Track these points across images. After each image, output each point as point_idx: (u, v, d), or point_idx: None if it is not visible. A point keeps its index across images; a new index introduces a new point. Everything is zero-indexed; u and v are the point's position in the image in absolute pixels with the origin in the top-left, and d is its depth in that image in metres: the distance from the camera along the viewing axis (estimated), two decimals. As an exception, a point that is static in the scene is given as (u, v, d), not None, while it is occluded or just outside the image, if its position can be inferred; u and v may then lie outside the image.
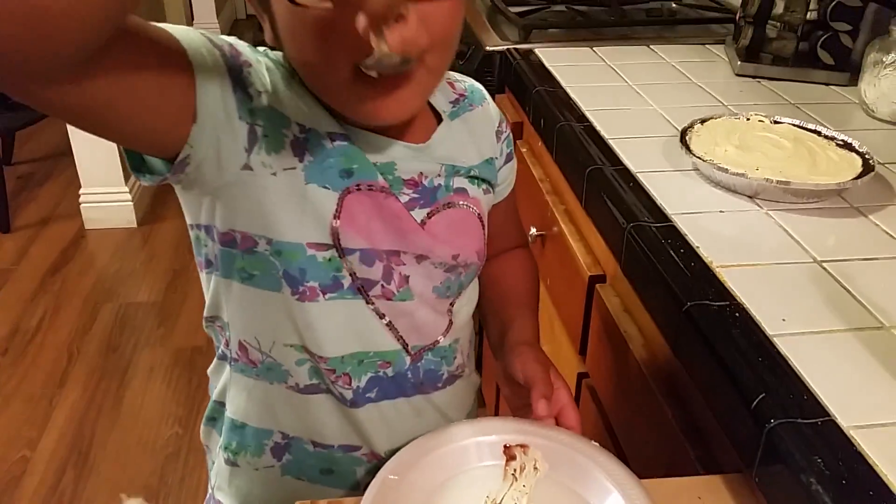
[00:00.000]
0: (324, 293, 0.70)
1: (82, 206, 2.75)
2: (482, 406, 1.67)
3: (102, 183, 2.72)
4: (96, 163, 2.68)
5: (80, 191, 2.74)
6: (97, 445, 1.87)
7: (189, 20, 3.48)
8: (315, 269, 0.69)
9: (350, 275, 0.70)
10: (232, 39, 0.66)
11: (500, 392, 0.83)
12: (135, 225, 2.82)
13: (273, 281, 0.70)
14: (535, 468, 0.68)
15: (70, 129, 2.60)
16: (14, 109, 2.82)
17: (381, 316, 0.74)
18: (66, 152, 2.80)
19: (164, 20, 2.90)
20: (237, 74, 0.63)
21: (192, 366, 2.14)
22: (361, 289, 0.72)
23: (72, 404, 1.99)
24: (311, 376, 0.75)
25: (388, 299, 0.73)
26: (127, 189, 2.77)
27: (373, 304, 0.73)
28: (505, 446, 0.70)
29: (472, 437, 0.72)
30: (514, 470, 0.69)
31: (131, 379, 2.10)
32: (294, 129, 0.67)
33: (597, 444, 0.72)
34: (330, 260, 0.69)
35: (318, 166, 0.67)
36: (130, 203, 2.77)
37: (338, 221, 0.68)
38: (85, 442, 1.88)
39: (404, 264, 0.73)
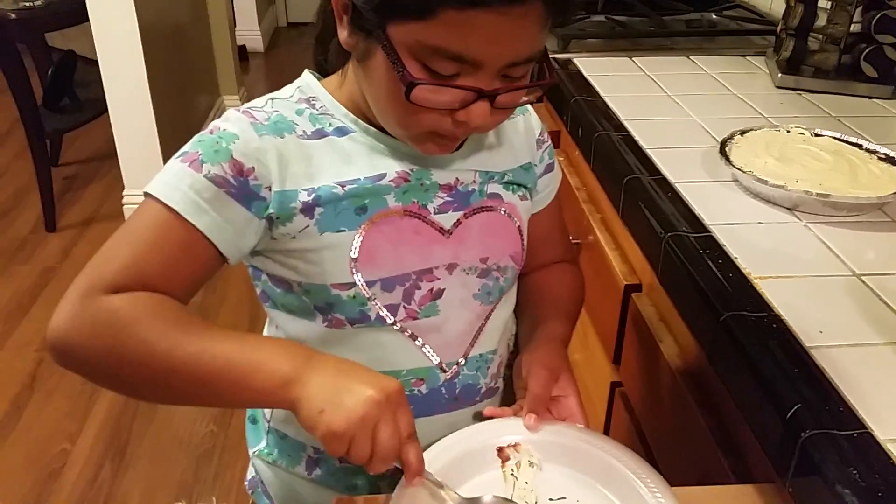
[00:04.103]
0: (351, 324, 0.75)
1: (125, 206, 2.81)
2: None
3: (145, 185, 2.78)
4: (140, 165, 2.73)
5: (124, 192, 2.80)
6: (134, 442, 1.91)
7: (231, 28, 3.54)
8: (341, 305, 0.74)
9: (374, 305, 0.73)
10: (239, 135, 0.69)
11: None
12: (175, 226, 2.86)
13: (307, 312, 0.76)
14: (531, 463, 0.69)
15: (115, 131, 2.67)
16: (62, 112, 2.90)
17: (409, 335, 0.76)
18: (110, 154, 2.87)
19: (208, 30, 2.91)
20: (246, 192, 0.68)
21: (228, 366, 2.17)
22: (386, 315, 0.74)
23: (111, 400, 2.03)
24: None
25: (414, 319, 0.76)
26: (168, 191, 2.81)
27: (399, 325, 0.75)
28: (497, 448, 0.71)
29: (491, 439, 0.73)
30: (512, 469, 0.70)
31: (169, 377, 2.13)
32: (302, 196, 0.71)
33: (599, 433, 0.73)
34: (354, 297, 0.73)
35: (330, 214, 0.71)
36: (171, 205, 2.82)
37: (357, 259, 0.72)
38: (122, 438, 1.92)
39: (438, 279, 0.76)
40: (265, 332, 0.85)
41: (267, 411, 0.85)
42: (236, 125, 0.70)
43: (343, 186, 0.72)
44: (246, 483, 0.92)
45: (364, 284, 0.73)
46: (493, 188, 0.79)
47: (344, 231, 0.71)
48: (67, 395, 2.06)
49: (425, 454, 0.69)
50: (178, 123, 2.95)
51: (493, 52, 0.62)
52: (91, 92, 2.88)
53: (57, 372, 2.14)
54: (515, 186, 0.81)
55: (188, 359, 0.62)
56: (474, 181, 0.78)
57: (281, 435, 0.83)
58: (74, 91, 2.96)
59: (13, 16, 2.49)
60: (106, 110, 2.66)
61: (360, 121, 0.74)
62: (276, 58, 4.83)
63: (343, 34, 0.68)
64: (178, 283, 0.68)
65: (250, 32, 4.72)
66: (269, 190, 0.70)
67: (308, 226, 0.71)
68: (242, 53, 4.27)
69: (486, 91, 0.64)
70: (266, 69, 4.67)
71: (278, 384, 0.62)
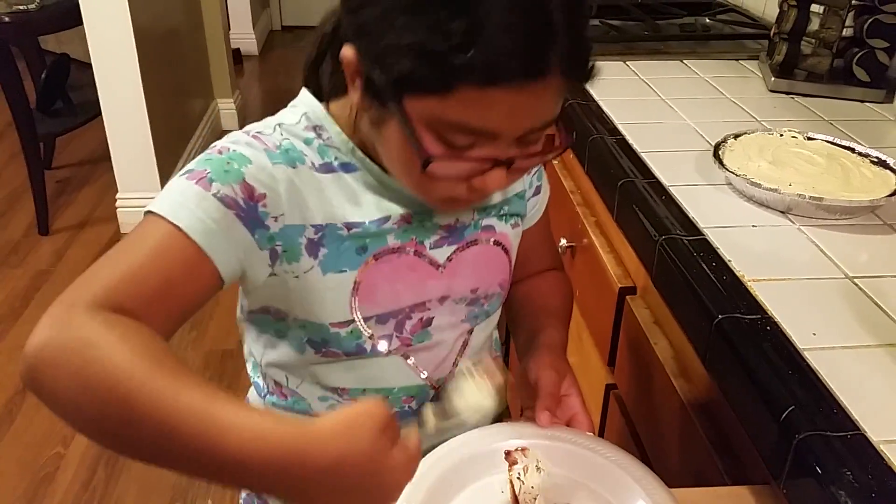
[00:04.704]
0: (347, 356, 0.75)
1: (119, 210, 2.80)
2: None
3: (139, 188, 2.77)
4: (133, 168, 2.73)
5: (117, 195, 2.79)
6: (128, 445, 1.90)
7: (226, 31, 3.53)
8: (337, 341, 0.74)
9: (370, 339, 0.74)
10: (251, 159, 0.66)
11: (514, 390, 0.83)
12: (169, 230, 2.85)
13: (299, 344, 0.75)
14: (538, 468, 0.69)
15: (109, 134, 2.66)
16: (55, 115, 2.90)
17: (401, 356, 0.78)
18: (104, 157, 2.86)
19: (202, 33, 2.89)
20: (253, 217, 0.66)
21: (223, 368, 2.17)
22: (381, 345, 0.75)
23: (105, 404, 2.03)
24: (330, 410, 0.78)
25: (407, 346, 0.77)
26: (162, 194, 2.81)
27: (391, 351, 0.76)
28: (506, 452, 0.71)
29: (496, 442, 0.73)
30: (519, 473, 0.70)
31: (163, 381, 2.13)
32: (309, 233, 0.70)
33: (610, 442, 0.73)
34: (352, 332, 0.73)
35: (334, 254, 0.71)
36: (165, 208, 2.81)
37: (356, 298, 0.72)
38: (117, 441, 1.92)
39: (429, 309, 0.77)
40: (247, 346, 0.84)
41: (259, 409, 0.85)
42: (248, 149, 0.67)
43: (349, 229, 0.71)
44: None
45: (362, 321, 0.73)
46: (488, 221, 0.80)
47: (345, 271, 0.72)
48: (61, 398, 2.05)
49: (432, 454, 0.70)
50: (172, 126, 2.94)
51: (511, 125, 0.62)
52: (84, 95, 2.87)
53: (50, 375, 2.13)
54: (508, 216, 0.82)
55: (149, 398, 0.53)
56: (472, 218, 0.79)
57: None
58: (68, 94, 2.95)
59: (7, 19, 2.48)
60: (99, 113, 2.65)
61: (366, 159, 0.72)
62: (270, 61, 4.82)
63: (355, 96, 0.66)
64: (174, 304, 0.62)
65: (244, 36, 4.72)
66: (276, 220, 0.67)
67: (312, 266, 0.70)
68: (236, 57, 4.26)
69: (502, 160, 0.63)
70: (260, 72, 4.67)
71: (238, 483, 0.58)
